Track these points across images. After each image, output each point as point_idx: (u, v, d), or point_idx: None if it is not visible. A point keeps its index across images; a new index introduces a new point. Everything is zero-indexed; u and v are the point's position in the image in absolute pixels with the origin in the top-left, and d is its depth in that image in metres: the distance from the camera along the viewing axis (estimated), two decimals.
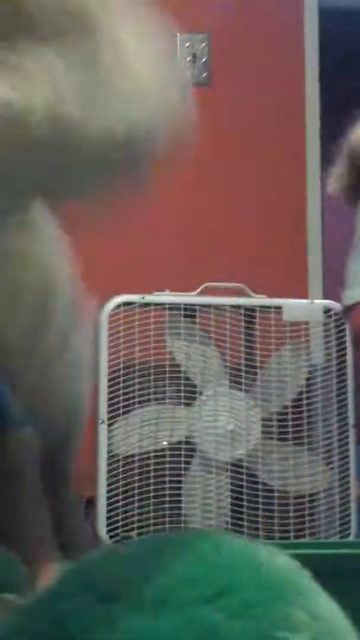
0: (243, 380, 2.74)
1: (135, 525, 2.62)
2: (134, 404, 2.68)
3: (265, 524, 2.71)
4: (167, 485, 2.66)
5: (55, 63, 0.70)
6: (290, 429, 2.75)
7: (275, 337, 2.79)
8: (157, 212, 3.22)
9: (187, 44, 3.25)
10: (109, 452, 2.63)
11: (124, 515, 2.62)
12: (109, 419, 2.64)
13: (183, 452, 2.68)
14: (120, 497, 2.62)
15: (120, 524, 2.61)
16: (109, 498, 2.61)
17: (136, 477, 2.65)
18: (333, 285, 4.06)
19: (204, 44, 3.26)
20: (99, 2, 0.74)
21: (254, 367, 2.79)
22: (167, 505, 2.65)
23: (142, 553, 0.76)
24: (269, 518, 2.72)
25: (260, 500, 2.70)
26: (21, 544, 0.91)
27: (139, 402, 2.68)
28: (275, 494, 2.73)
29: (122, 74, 0.73)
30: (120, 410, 2.66)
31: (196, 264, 3.14)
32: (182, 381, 2.70)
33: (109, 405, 2.65)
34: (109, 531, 2.59)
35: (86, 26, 0.73)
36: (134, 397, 2.68)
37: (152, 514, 2.64)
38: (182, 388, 2.70)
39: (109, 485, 2.61)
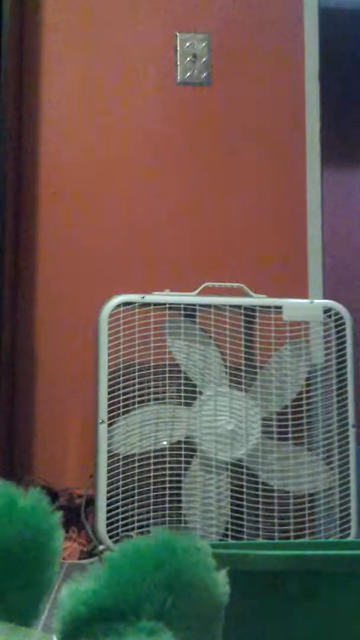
0: (243, 380, 2.74)
1: (135, 525, 2.62)
2: (133, 404, 2.68)
3: (265, 524, 2.71)
4: (167, 485, 2.66)
5: None
6: (290, 429, 2.75)
7: (275, 337, 2.79)
8: (156, 212, 3.22)
9: (187, 44, 3.25)
10: (109, 452, 2.63)
11: (123, 515, 2.62)
12: (109, 418, 2.65)
13: (183, 452, 2.68)
14: (120, 496, 2.62)
15: (120, 523, 2.61)
16: (108, 498, 2.61)
17: (136, 477, 2.65)
18: (333, 285, 4.07)
19: (204, 44, 3.26)
20: None
21: (254, 367, 2.79)
22: (167, 505, 2.65)
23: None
24: (269, 518, 2.72)
25: (260, 500, 2.71)
26: None
27: (139, 402, 2.68)
28: (275, 494, 2.73)
29: None
30: (120, 410, 2.66)
31: (196, 264, 3.15)
32: (182, 381, 2.71)
33: (109, 405, 2.65)
34: (109, 531, 2.60)
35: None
36: (133, 397, 2.68)
37: (152, 514, 2.64)
38: (182, 388, 2.70)
39: (109, 485, 2.61)
